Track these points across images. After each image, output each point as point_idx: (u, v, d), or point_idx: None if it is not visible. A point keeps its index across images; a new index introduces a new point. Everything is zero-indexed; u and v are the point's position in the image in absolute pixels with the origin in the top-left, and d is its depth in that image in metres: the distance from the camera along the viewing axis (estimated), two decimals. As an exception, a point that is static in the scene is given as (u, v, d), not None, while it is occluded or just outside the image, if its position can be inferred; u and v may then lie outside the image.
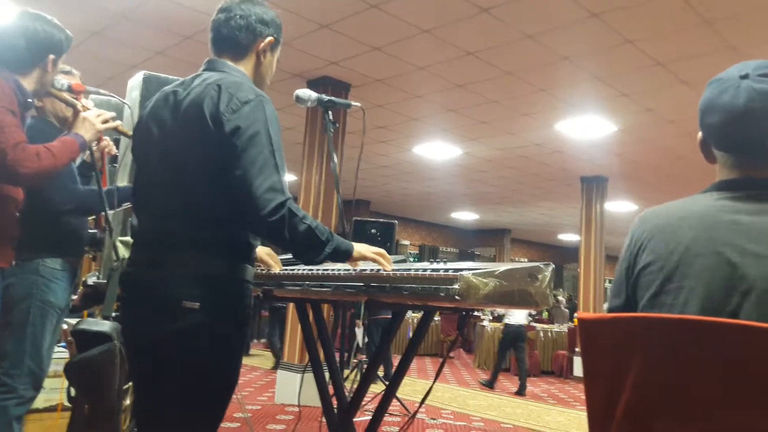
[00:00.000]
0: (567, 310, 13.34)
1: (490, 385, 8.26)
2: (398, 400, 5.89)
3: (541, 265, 1.57)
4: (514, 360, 10.11)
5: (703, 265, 1.15)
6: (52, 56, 2.07)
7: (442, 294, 1.52)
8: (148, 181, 1.69)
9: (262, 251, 2.03)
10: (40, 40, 2.04)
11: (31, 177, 1.83)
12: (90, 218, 2.73)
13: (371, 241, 5.65)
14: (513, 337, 8.17)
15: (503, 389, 8.39)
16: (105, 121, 2.14)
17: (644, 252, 1.26)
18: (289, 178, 9.46)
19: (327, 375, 2.46)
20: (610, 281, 21.17)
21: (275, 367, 8.49)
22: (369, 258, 1.76)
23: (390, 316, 8.39)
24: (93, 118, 2.10)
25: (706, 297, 1.12)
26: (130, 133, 2.18)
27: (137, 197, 1.74)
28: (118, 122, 2.20)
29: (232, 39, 1.73)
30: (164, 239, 1.61)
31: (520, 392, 7.88)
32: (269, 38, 1.77)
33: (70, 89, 2.22)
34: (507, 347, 8.37)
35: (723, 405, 0.99)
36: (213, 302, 1.56)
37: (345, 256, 1.69)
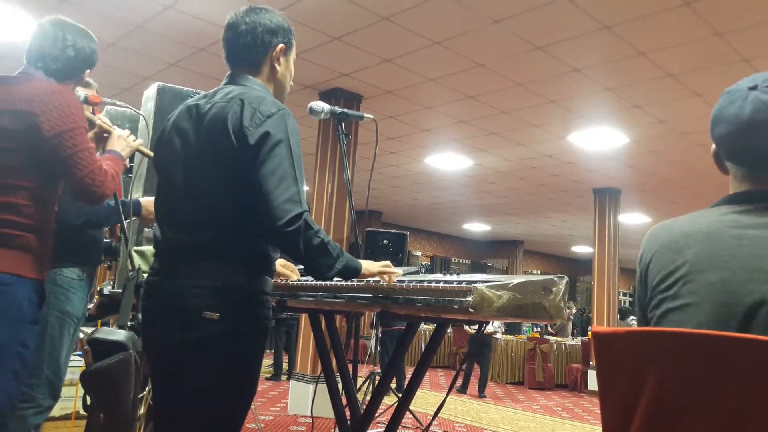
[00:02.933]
0: (570, 323, 13.35)
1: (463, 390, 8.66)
2: (411, 412, 5.86)
3: (555, 278, 1.57)
4: (529, 371, 10.09)
5: (707, 281, 1.14)
6: (88, 71, 2.09)
7: (455, 306, 1.52)
8: (170, 193, 1.71)
9: (278, 263, 2.05)
10: (85, 55, 2.03)
11: (107, 197, 1.91)
12: (105, 228, 2.76)
13: (383, 251, 5.65)
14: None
15: (516, 401, 8.33)
16: (135, 140, 2.23)
17: (653, 270, 1.25)
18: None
19: (339, 386, 2.47)
20: (623, 294, 20.90)
21: (272, 378, 8.50)
22: (377, 274, 1.79)
23: (403, 328, 8.38)
24: (126, 137, 2.17)
25: (713, 313, 1.11)
26: (152, 153, 2.22)
27: (159, 209, 1.76)
28: (140, 141, 2.28)
29: (244, 57, 1.77)
30: (185, 250, 1.64)
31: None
32: (279, 46, 1.79)
33: (86, 101, 2.24)
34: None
35: (739, 419, 0.98)
36: (232, 313, 1.59)
37: (354, 273, 1.72)
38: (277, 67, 1.80)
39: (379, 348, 7.29)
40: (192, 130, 1.67)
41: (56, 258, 2.33)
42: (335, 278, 1.71)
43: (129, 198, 2.62)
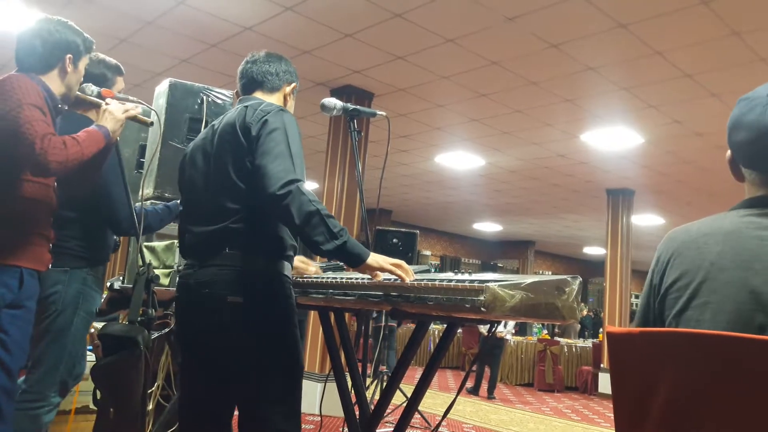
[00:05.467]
0: (578, 325, 13.32)
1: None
2: (419, 413, 5.84)
3: (569, 278, 1.55)
4: (539, 373, 10.04)
5: (728, 280, 1.14)
6: (69, 56, 2.11)
7: (467, 305, 1.50)
8: (192, 197, 1.93)
9: (296, 259, 2.11)
10: (55, 41, 2.09)
11: (60, 166, 1.84)
12: None
13: (393, 250, 5.63)
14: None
15: (525, 403, 8.29)
16: (126, 111, 2.18)
17: (670, 269, 1.26)
18: (311, 185, 9.46)
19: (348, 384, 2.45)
20: (636, 296, 20.89)
21: None
22: (387, 269, 1.74)
23: (394, 325, 8.36)
24: (114, 109, 2.15)
25: (733, 312, 1.12)
26: (150, 120, 2.28)
27: (183, 216, 1.98)
28: (138, 109, 2.24)
29: (264, 81, 2.00)
30: (209, 240, 1.79)
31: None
32: (293, 84, 2.06)
33: (99, 95, 2.26)
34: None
35: (757, 424, 0.96)
36: (255, 296, 1.72)
37: (357, 259, 1.71)
38: (289, 101, 2.05)
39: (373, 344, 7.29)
40: (210, 142, 1.89)
41: (91, 259, 2.34)
42: (336, 261, 1.79)
43: (141, 192, 2.63)
